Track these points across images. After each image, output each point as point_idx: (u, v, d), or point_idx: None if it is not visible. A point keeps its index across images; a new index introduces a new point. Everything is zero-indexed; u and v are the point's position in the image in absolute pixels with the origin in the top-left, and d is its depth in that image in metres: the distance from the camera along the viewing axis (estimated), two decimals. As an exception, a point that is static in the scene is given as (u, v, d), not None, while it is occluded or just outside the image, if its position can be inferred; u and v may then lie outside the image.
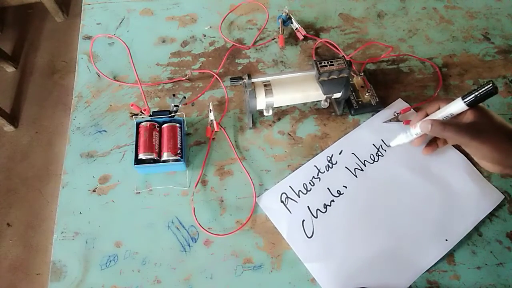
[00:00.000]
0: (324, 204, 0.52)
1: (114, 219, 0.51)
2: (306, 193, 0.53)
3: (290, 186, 0.53)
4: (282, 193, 0.53)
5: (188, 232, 0.50)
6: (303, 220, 0.51)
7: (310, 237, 0.50)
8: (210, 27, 0.68)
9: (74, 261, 0.49)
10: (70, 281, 0.47)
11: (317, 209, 0.51)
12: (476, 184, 0.52)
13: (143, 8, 0.70)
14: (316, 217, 0.51)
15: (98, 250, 0.49)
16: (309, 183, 0.53)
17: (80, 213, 0.51)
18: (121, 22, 0.68)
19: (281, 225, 0.50)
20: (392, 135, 0.54)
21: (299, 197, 0.52)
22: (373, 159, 0.55)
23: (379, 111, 0.59)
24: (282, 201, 0.52)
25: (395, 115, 0.57)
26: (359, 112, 0.58)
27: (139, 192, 0.53)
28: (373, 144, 0.56)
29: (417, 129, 0.48)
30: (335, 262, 0.48)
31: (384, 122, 0.57)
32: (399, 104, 0.59)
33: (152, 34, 0.67)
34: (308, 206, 0.51)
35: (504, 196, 0.52)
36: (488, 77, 0.63)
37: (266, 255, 0.49)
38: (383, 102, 0.59)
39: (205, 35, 0.67)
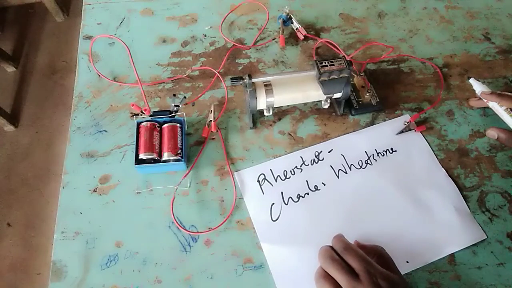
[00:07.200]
0: (298, 194, 0.52)
1: (114, 219, 0.51)
2: (284, 179, 0.53)
3: (270, 169, 0.54)
4: (261, 174, 0.53)
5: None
6: (273, 204, 0.51)
7: (275, 220, 0.50)
8: (211, 27, 0.68)
9: (75, 261, 0.49)
10: (71, 281, 0.47)
11: (290, 197, 0.52)
12: (460, 218, 0.50)
13: (144, 8, 0.70)
14: (287, 204, 0.51)
15: (99, 250, 0.49)
16: (290, 171, 0.54)
17: (81, 213, 0.51)
18: (121, 22, 0.68)
19: (250, 203, 0.51)
20: (388, 145, 0.55)
21: (276, 181, 0.53)
22: (360, 165, 0.54)
23: (380, 113, 0.59)
24: (258, 181, 0.53)
25: (405, 124, 0.57)
26: (359, 112, 0.58)
27: (139, 192, 0.53)
28: (366, 151, 0.55)
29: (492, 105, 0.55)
30: (289, 250, 0.48)
31: (397, 134, 0.56)
32: (406, 117, 0.58)
33: (152, 34, 0.67)
34: (281, 192, 0.52)
35: (486, 236, 0.49)
36: (488, 77, 0.63)
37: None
38: (384, 102, 0.59)
39: (205, 35, 0.67)
